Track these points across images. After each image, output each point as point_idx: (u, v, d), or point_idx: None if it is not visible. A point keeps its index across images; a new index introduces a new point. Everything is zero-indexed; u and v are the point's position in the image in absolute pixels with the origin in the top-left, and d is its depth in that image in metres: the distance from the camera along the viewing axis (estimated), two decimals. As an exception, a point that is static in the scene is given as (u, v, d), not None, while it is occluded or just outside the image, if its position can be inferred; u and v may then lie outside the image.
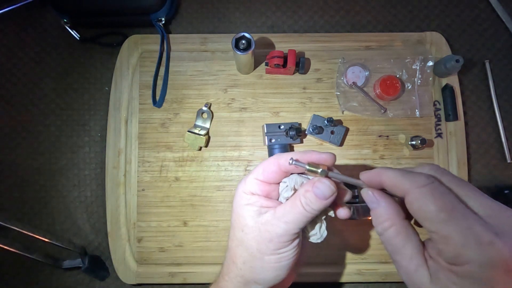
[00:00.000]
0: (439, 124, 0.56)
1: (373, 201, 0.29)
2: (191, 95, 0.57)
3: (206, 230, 0.55)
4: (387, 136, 0.56)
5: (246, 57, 0.50)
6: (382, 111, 0.55)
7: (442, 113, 0.56)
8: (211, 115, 0.56)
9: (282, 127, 0.54)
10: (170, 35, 0.58)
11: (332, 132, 0.54)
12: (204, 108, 0.56)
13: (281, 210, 0.30)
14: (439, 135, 0.56)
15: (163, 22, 0.58)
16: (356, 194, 0.42)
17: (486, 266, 0.22)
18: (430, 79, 0.56)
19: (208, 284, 0.35)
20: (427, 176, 0.26)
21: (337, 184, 0.31)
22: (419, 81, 0.56)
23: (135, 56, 0.58)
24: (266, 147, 0.55)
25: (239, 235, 0.32)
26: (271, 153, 0.54)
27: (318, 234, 0.33)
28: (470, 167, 0.56)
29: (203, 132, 0.55)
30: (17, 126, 0.58)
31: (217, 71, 0.57)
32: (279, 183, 0.33)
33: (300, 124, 0.56)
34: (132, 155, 0.56)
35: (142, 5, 0.55)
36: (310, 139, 0.56)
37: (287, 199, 0.32)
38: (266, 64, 0.55)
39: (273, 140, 0.54)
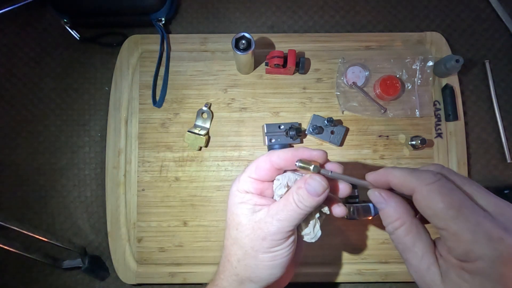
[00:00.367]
0: (439, 124, 0.56)
1: (381, 202, 0.29)
2: (191, 95, 0.57)
3: (206, 230, 0.55)
4: (387, 136, 0.56)
5: (246, 57, 0.50)
6: (382, 111, 0.55)
7: (442, 113, 0.56)
8: (211, 115, 0.56)
9: (282, 127, 0.54)
10: (170, 35, 0.58)
11: (332, 132, 0.54)
12: (204, 108, 0.56)
13: (274, 208, 0.30)
14: (439, 135, 0.56)
15: (163, 22, 0.58)
16: (356, 194, 0.42)
17: (497, 262, 0.22)
18: (430, 79, 0.56)
19: (207, 284, 0.35)
20: (434, 173, 0.26)
21: (330, 180, 0.31)
22: (419, 81, 0.56)
23: (135, 56, 0.58)
24: (266, 147, 0.55)
25: (233, 234, 0.32)
26: (271, 153, 0.54)
27: (312, 233, 0.33)
28: (470, 167, 0.56)
29: (203, 132, 0.55)
30: (17, 126, 0.58)
31: (217, 71, 0.57)
32: (272, 181, 0.33)
33: (300, 124, 0.56)
34: (132, 155, 0.56)
35: (142, 5, 0.55)
36: (310, 139, 0.56)
37: (281, 197, 0.32)
38: (266, 64, 0.55)
39: (273, 140, 0.54)
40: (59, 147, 0.58)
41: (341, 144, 0.55)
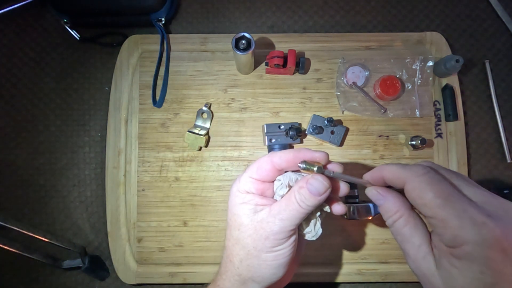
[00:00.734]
0: (439, 124, 0.56)
1: (379, 198, 0.30)
2: (191, 95, 0.57)
3: (206, 230, 0.55)
4: (387, 136, 0.56)
5: (246, 57, 0.50)
6: (382, 111, 0.55)
7: (442, 113, 0.56)
8: (211, 115, 0.56)
9: (282, 127, 0.54)
10: (170, 35, 0.58)
11: (332, 132, 0.54)
12: (204, 108, 0.56)
13: (276, 208, 0.31)
14: (439, 135, 0.56)
15: (163, 22, 0.58)
16: (356, 194, 0.42)
17: (482, 245, 0.23)
18: (430, 79, 0.56)
19: (208, 284, 0.35)
20: (424, 166, 0.28)
21: (331, 180, 0.31)
22: (419, 81, 0.56)
23: (135, 56, 0.58)
24: (266, 147, 0.55)
25: (235, 234, 0.32)
26: (271, 153, 0.54)
27: (313, 231, 0.33)
28: (470, 167, 0.56)
29: (203, 132, 0.55)
30: (17, 126, 0.58)
31: (217, 71, 0.57)
32: (273, 181, 0.33)
33: (300, 124, 0.56)
34: (132, 155, 0.56)
35: (142, 5, 0.55)
36: (310, 139, 0.56)
37: (282, 197, 0.32)
38: (266, 64, 0.55)
39: (273, 140, 0.54)
40: (59, 147, 0.58)
41: (341, 144, 0.55)
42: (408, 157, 0.56)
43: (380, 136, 0.56)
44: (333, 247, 0.55)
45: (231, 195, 0.33)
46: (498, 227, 0.23)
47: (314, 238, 0.34)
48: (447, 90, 0.56)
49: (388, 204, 0.29)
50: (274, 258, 0.31)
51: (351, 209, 0.40)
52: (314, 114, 0.55)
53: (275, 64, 0.53)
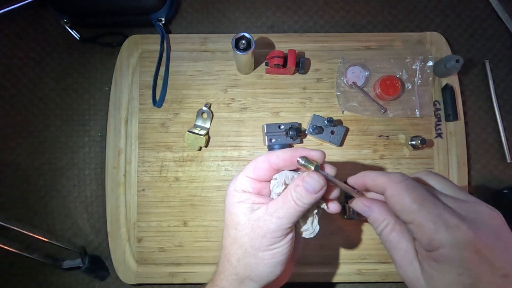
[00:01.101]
0: (439, 124, 0.56)
1: (365, 210, 0.31)
2: (191, 95, 0.57)
3: (206, 230, 0.55)
4: (387, 136, 0.56)
5: (246, 57, 0.50)
6: (382, 111, 0.55)
7: (442, 113, 0.56)
8: (211, 115, 0.56)
9: (282, 127, 0.54)
10: (170, 35, 0.58)
11: (332, 132, 0.54)
12: (204, 108, 0.56)
13: (273, 206, 0.31)
14: (439, 135, 0.56)
15: (163, 22, 0.58)
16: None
17: (456, 247, 0.24)
18: (430, 79, 0.56)
19: (206, 284, 0.35)
20: (402, 174, 0.29)
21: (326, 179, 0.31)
22: (419, 81, 0.56)
23: (135, 56, 0.58)
24: (266, 147, 0.55)
25: (232, 233, 0.32)
26: (271, 153, 0.54)
27: (310, 229, 0.34)
28: (470, 167, 0.56)
29: (203, 132, 0.55)
30: (17, 126, 0.58)
31: (217, 71, 0.57)
32: (270, 181, 0.33)
33: (300, 124, 0.56)
34: (132, 155, 0.56)
35: (142, 5, 0.55)
36: (310, 139, 0.56)
37: (278, 195, 0.32)
38: (266, 64, 0.55)
39: (273, 140, 0.54)
40: (59, 147, 0.58)
41: (341, 144, 0.55)
42: (408, 157, 0.56)
43: (380, 136, 0.56)
44: (333, 247, 0.55)
45: (228, 195, 0.33)
46: (471, 229, 0.24)
47: (312, 236, 0.34)
48: (447, 90, 0.56)
49: (375, 214, 0.30)
50: (271, 256, 0.31)
51: (351, 209, 0.40)
52: (314, 114, 0.55)
53: (275, 64, 0.53)
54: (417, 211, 0.26)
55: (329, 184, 0.32)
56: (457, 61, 0.52)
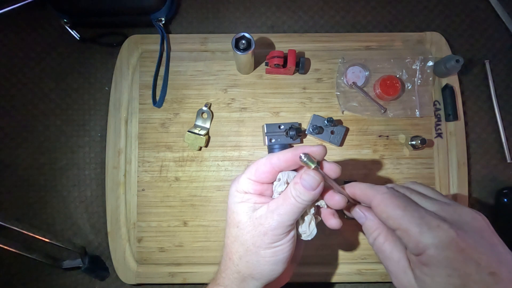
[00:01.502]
0: (439, 124, 0.56)
1: (361, 216, 0.33)
2: (191, 95, 0.57)
3: (206, 230, 0.55)
4: (387, 136, 0.56)
5: (246, 57, 0.50)
6: (382, 111, 0.55)
7: (442, 113, 0.56)
8: (211, 115, 0.56)
9: (282, 127, 0.54)
10: (170, 35, 0.58)
11: (332, 132, 0.54)
12: (204, 108, 0.56)
13: (274, 204, 0.31)
14: (439, 135, 0.56)
15: (163, 22, 0.58)
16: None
17: (441, 247, 0.25)
18: (430, 79, 0.56)
19: (208, 283, 0.35)
20: (387, 186, 0.31)
21: (331, 187, 0.32)
22: (419, 81, 0.56)
23: (135, 56, 0.58)
24: (266, 147, 0.55)
25: (234, 232, 0.32)
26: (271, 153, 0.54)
27: (307, 231, 0.34)
28: (470, 167, 0.56)
29: (203, 132, 0.55)
30: (17, 126, 0.58)
31: (217, 71, 0.57)
32: (271, 183, 0.33)
33: (300, 124, 0.56)
34: (132, 155, 0.56)
35: (142, 5, 0.55)
36: (310, 139, 0.56)
37: (280, 194, 0.32)
38: (266, 64, 0.55)
39: (273, 140, 0.54)
40: (59, 147, 0.58)
41: (341, 144, 0.55)
42: (408, 157, 0.56)
43: (380, 136, 0.56)
44: (333, 247, 0.55)
45: (230, 195, 0.34)
46: (453, 229, 0.25)
47: (309, 238, 0.34)
48: (447, 90, 0.56)
49: (369, 222, 0.32)
50: (273, 254, 0.31)
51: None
52: (314, 114, 0.55)
53: (275, 64, 0.53)
54: (401, 217, 0.27)
55: (327, 184, 0.33)
56: (457, 61, 0.52)
